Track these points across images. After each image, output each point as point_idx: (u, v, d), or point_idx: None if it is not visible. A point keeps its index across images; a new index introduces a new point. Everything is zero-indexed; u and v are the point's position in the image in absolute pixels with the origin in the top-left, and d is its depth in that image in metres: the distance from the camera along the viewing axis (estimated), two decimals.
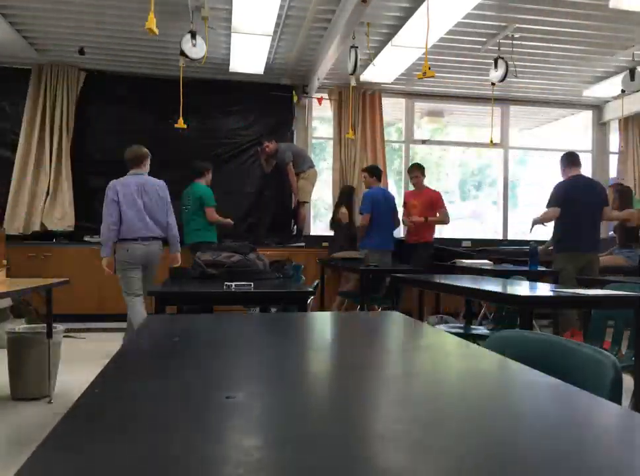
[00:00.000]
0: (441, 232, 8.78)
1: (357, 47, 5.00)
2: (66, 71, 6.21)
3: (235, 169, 6.70)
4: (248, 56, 5.54)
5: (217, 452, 0.58)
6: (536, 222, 4.61)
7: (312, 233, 6.88)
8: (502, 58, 5.42)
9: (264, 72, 6.05)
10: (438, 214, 5.83)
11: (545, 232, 4.90)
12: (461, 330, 3.41)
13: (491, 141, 6.22)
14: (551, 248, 4.72)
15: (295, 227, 6.67)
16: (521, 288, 2.73)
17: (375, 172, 5.87)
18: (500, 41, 5.37)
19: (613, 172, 7.67)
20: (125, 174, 4.41)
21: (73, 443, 0.59)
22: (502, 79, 5.45)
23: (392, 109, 7.42)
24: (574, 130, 8.25)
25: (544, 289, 2.73)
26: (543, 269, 4.73)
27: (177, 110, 5.32)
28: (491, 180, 8.92)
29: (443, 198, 5.92)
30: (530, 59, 5.89)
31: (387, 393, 0.84)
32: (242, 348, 1.18)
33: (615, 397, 0.92)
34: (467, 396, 0.82)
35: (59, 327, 3.40)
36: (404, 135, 7.35)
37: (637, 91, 6.21)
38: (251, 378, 0.92)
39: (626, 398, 2.61)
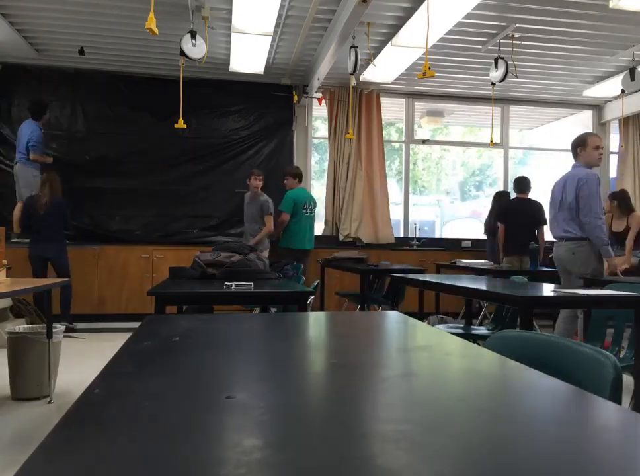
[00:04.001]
0: (441, 232, 8.79)
1: (357, 47, 5.00)
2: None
3: (235, 169, 6.70)
4: (248, 56, 5.54)
5: (217, 452, 0.58)
6: None
7: None
8: (502, 58, 5.42)
9: (264, 72, 6.06)
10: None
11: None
12: (461, 330, 3.41)
13: (491, 141, 6.22)
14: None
15: None
16: (521, 288, 2.73)
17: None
18: (500, 41, 5.37)
19: (613, 172, 7.68)
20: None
21: (73, 443, 0.59)
22: (502, 79, 5.45)
23: (392, 109, 7.42)
24: (574, 130, 8.24)
25: (544, 289, 2.73)
26: (544, 269, 4.73)
27: (177, 110, 5.32)
28: (491, 180, 8.92)
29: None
30: (530, 59, 5.89)
31: (387, 393, 0.84)
32: (242, 348, 1.18)
33: (616, 397, 0.92)
34: (467, 397, 0.82)
35: (59, 327, 3.40)
36: (404, 135, 7.35)
37: (637, 91, 6.21)
38: (251, 378, 0.92)
39: (626, 399, 2.61)
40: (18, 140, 5.79)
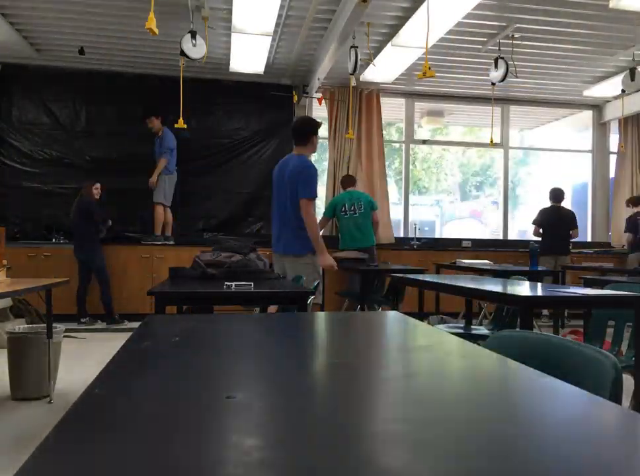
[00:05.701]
0: (441, 232, 8.77)
1: (357, 47, 5.00)
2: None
3: (235, 168, 6.70)
4: (248, 56, 5.54)
5: (217, 452, 0.58)
6: None
7: None
8: (502, 58, 5.42)
9: (264, 72, 6.06)
10: None
11: None
12: (461, 330, 3.41)
13: (491, 141, 6.22)
14: None
15: None
16: (522, 288, 2.73)
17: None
18: (500, 41, 5.37)
19: (613, 172, 7.67)
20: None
21: (73, 443, 0.59)
22: (502, 79, 5.45)
23: (392, 109, 7.42)
24: (574, 130, 8.25)
25: (544, 289, 2.73)
26: (543, 269, 4.73)
27: (177, 109, 5.32)
28: (492, 180, 8.93)
29: None
30: (530, 59, 5.89)
31: (387, 393, 0.84)
32: (242, 348, 1.18)
33: (615, 397, 0.92)
34: (467, 397, 0.82)
35: (59, 327, 3.40)
36: (404, 135, 7.35)
37: (637, 91, 6.21)
38: (251, 378, 0.92)
39: (626, 399, 2.61)
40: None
